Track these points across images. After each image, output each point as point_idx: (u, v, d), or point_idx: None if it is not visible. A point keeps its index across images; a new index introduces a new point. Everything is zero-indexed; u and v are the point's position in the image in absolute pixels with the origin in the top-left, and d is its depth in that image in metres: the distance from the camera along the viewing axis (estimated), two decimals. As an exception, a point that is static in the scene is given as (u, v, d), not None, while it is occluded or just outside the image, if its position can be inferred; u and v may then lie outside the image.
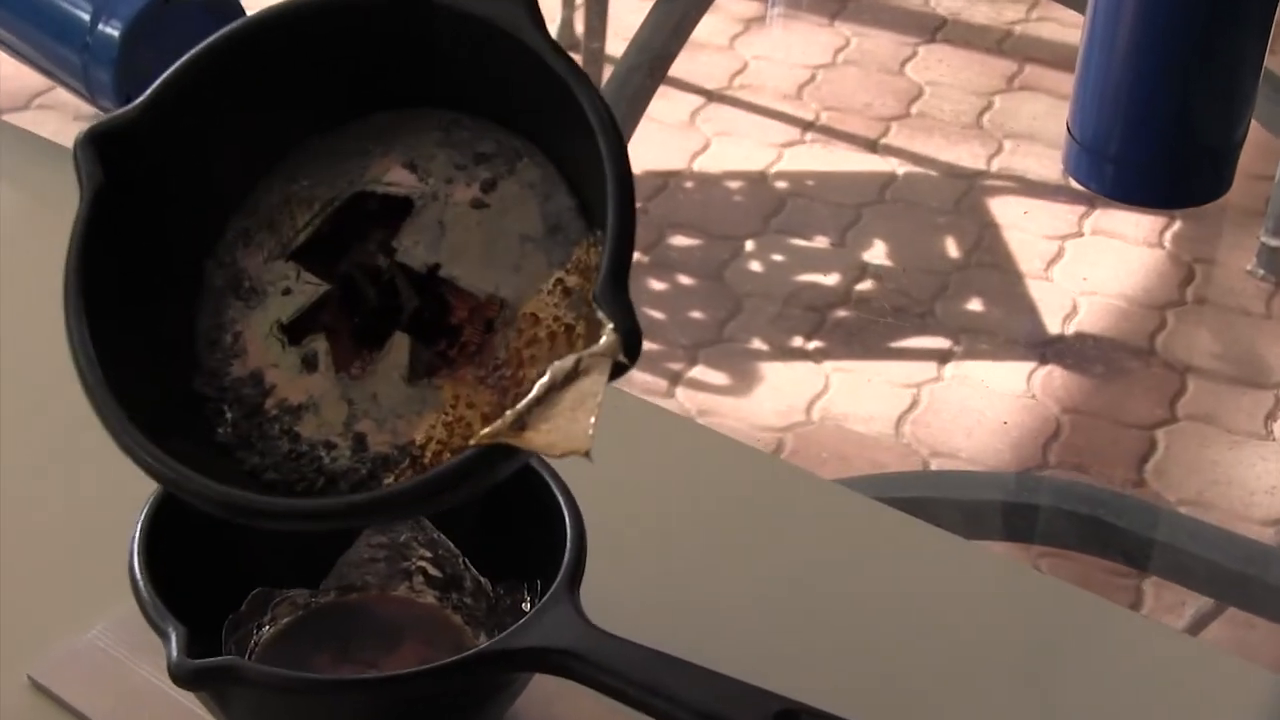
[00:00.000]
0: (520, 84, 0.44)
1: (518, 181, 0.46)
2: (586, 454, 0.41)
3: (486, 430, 0.42)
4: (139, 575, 0.52)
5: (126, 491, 0.55)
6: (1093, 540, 0.87)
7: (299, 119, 0.48)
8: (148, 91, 0.46)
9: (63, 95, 0.86)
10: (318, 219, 0.47)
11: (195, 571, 0.55)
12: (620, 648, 0.51)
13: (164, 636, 0.50)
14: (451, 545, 0.60)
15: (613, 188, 0.42)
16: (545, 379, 0.42)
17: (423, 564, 0.60)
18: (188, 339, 0.47)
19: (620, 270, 0.41)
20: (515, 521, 0.58)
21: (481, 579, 0.59)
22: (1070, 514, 0.85)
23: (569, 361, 0.41)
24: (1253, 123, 0.78)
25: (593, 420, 0.41)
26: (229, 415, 0.47)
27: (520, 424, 0.41)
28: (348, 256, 0.48)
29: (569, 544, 0.55)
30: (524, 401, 0.41)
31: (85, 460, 0.68)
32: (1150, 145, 0.77)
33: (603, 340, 0.41)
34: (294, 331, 0.47)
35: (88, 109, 0.82)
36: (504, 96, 0.46)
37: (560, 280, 0.45)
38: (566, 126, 0.43)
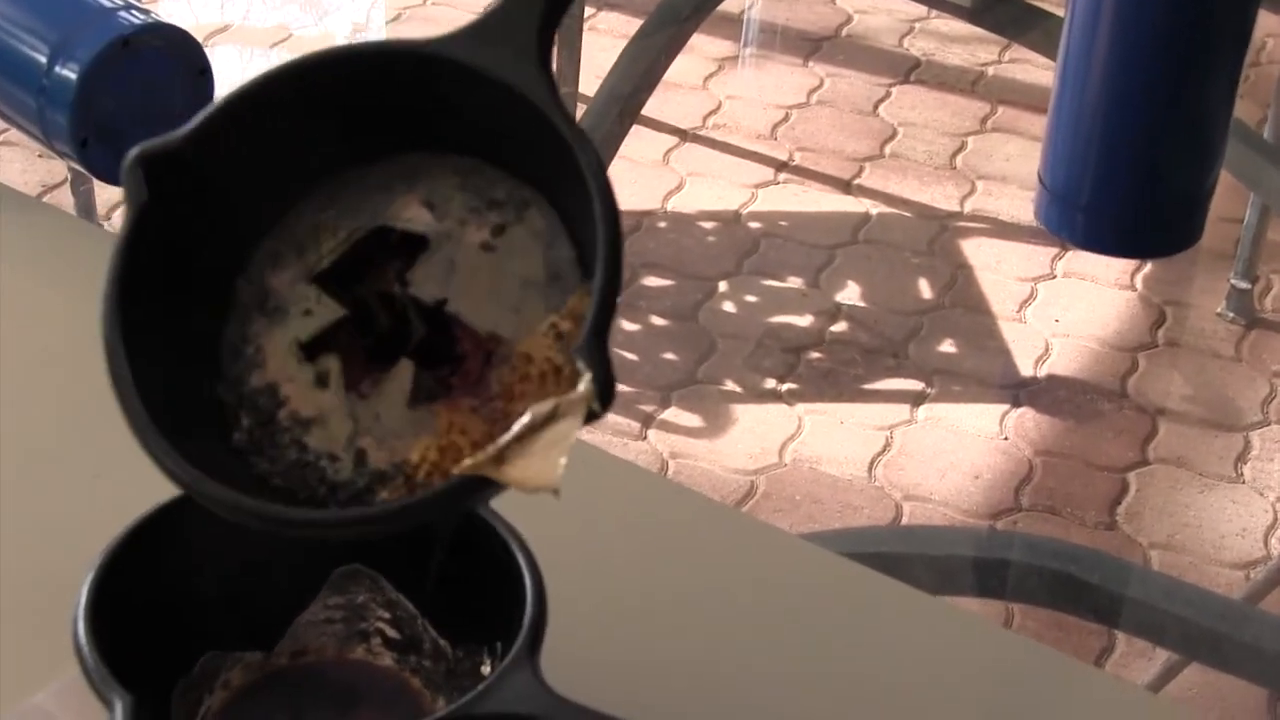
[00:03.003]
0: (532, 140, 0.48)
1: (525, 229, 0.50)
2: (555, 492, 0.44)
3: (469, 461, 0.45)
4: (84, 641, 0.51)
5: (73, 553, 0.53)
6: (1064, 597, 0.86)
7: (335, 153, 0.51)
8: (198, 117, 0.50)
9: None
10: (342, 247, 0.51)
11: (145, 634, 0.53)
12: (581, 716, 0.50)
13: (109, 705, 0.49)
14: (411, 606, 0.58)
15: (603, 251, 0.45)
16: (526, 419, 0.45)
17: (381, 625, 0.59)
18: (213, 349, 0.51)
19: (601, 328, 0.45)
20: (475, 582, 0.57)
21: (441, 641, 0.58)
22: (1041, 570, 0.85)
23: (548, 405, 0.45)
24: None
25: (563, 460, 0.44)
26: (245, 422, 0.50)
27: (500, 458, 0.45)
28: (366, 283, 0.51)
29: (529, 606, 0.54)
30: (505, 438, 0.45)
31: (29, 523, 0.67)
32: (1121, 195, 0.77)
33: (580, 389, 0.44)
34: (311, 349, 0.51)
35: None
36: (518, 149, 0.50)
37: (554, 324, 0.49)
38: (569, 183, 0.47)
